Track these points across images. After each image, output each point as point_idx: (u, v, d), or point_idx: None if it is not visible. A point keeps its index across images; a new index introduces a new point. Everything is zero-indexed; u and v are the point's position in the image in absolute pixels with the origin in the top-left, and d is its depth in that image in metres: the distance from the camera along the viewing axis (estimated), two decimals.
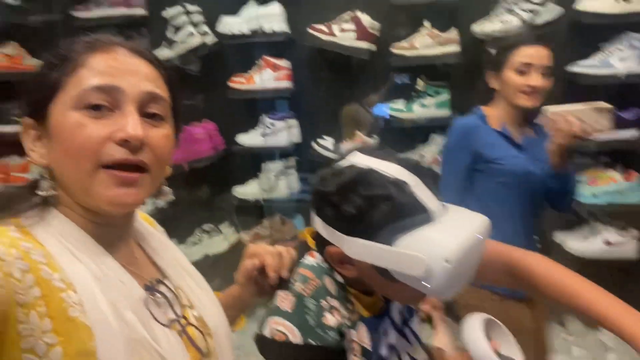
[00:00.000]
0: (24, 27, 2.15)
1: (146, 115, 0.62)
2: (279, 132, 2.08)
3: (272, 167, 2.11)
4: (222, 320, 0.75)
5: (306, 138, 2.17)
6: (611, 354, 1.93)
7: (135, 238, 0.73)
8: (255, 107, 2.18)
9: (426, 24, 1.92)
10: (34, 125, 0.64)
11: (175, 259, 0.76)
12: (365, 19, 1.95)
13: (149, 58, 0.65)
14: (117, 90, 0.60)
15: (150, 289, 0.64)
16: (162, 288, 0.68)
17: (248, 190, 2.16)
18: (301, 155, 2.19)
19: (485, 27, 1.87)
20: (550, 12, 1.85)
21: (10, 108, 1.94)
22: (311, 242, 0.76)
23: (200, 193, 2.30)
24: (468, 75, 1.99)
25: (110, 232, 0.67)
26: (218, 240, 2.24)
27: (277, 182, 2.11)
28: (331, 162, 0.74)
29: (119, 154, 0.59)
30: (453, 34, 1.89)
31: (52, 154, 0.62)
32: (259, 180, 2.15)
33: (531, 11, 1.84)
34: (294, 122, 2.14)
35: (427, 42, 1.88)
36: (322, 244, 0.71)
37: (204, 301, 0.74)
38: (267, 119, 2.09)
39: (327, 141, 2.08)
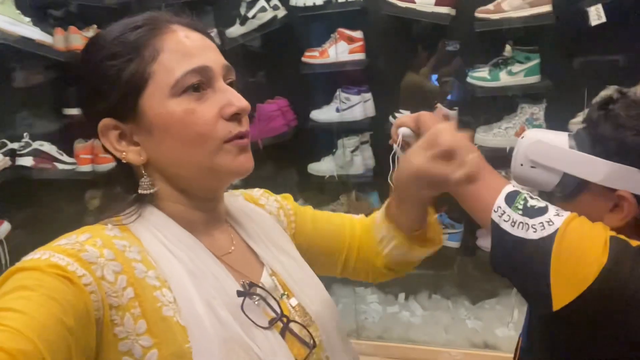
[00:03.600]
0: (100, 10, 2.19)
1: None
2: (354, 106, 2.02)
3: (348, 143, 2.06)
4: (325, 305, 0.72)
5: (380, 112, 2.10)
6: None
7: (231, 224, 0.73)
8: (328, 82, 2.13)
9: None
10: (115, 126, 0.61)
11: (272, 240, 0.74)
12: None
13: (203, 30, 0.65)
14: (207, 70, 0.61)
15: (243, 294, 0.62)
16: (256, 290, 0.65)
17: (323, 167, 2.13)
18: (375, 130, 2.13)
19: None
20: None
21: None
22: None
23: (274, 170, 2.30)
24: (560, 39, 1.84)
25: (206, 218, 0.67)
26: None
27: (353, 158, 2.06)
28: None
29: (234, 128, 0.61)
30: None
31: (158, 147, 0.61)
32: (333, 156, 2.11)
33: None
34: (368, 96, 2.07)
35: (516, 4, 1.74)
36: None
37: (303, 286, 0.72)
38: (342, 94, 2.03)
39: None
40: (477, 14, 1.81)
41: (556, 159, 0.76)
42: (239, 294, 0.61)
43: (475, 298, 2.15)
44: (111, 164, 2.32)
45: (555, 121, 1.84)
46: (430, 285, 2.23)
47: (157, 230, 0.62)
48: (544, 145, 0.77)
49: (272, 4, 2.03)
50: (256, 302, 0.64)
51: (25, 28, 1.90)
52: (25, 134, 2.07)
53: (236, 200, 0.77)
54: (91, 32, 2.04)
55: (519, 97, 1.87)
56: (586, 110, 1.77)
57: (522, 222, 0.67)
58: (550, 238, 0.64)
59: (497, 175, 0.76)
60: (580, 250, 0.63)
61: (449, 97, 2.08)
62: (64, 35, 2.03)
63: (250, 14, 2.00)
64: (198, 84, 0.60)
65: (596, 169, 0.71)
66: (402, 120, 0.96)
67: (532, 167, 0.78)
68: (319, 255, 0.84)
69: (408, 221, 0.81)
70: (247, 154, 0.64)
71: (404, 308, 2.16)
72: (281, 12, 2.04)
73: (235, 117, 0.62)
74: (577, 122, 1.78)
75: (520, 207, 0.69)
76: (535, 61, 1.80)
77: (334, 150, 2.11)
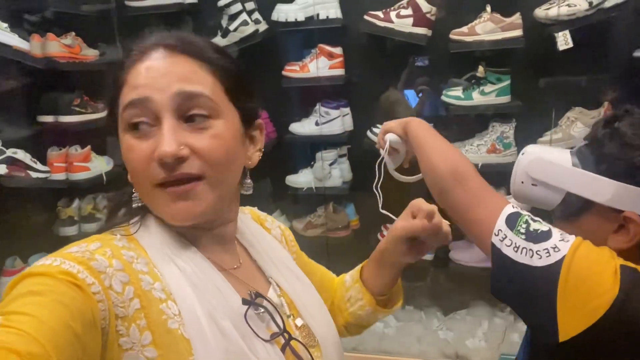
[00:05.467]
0: (78, 17, 2.17)
1: (190, 118, 0.58)
2: (333, 120, 2.06)
3: (327, 156, 2.10)
4: (329, 328, 0.73)
5: (358, 126, 2.15)
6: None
7: (240, 241, 0.73)
8: (308, 96, 2.16)
9: (488, 8, 1.86)
10: None
11: (280, 260, 0.75)
12: (423, 3, 1.89)
13: (187, 51, 0.60)
14: (147, 101, 0.57)
15: (249, 302, 0.62)
16: (262, 301, 0.65)
17: (300, 179, 2.15)
18: (353, 144, 2.17)
19: (550, 10, 1.80)
20: None
21: (71, 99, 1.97)
22: None
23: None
24: (530, 62, 1.93)
25: (205, 236, 0.66)
26: None
27: (331, 171, 2.10)
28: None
29: (160, 174, 0.57)
30: (517, 18, 1.82)
31: None
32: (312, 169, 2.14)
33: None
34: (347, 110, 2.12)
35: (489, 28, 1.82)
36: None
37: (310, 307, 0.72)
38: (321, 108, 2.07)
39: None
40: (452, 36, 1.89)
41: (559, 178, 0.73)
42: (244, 301, 0.62)
43: (447, 309, 2.20)
44: (85, 173, 2.26)
45: (525, 139, 1.93)
46: (404, 297, 2.26)
47: (160, 242, 0.62)
48: (546, 162, 0.74)
49: (253, 17, 2.06)
50: (261, 314, 0.64)
51: (2, 34, 1.86)
52: None
53: (245, 217, 0.76)
54: (69, 39, 2.02)
55: (491, 116, 1.96)
56: (554, 129, 1.87)
57: (525, 248, 0.64)
58: (557, 266, 0.61)
59: (496, 195, 0.74)
60: (589, 280, 0.60)
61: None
62: (41, 41, 2.00)
63: (232, 27, 2.02)
64: (138, 121, 0.57)
65: (602, 189, 0.68)
66: (390, 126, 0.96)
67: (533, 184, 0.76)
68: None
69: (380, 285, 0.85)
70: (186, 202, 0.58)
71: None
72: (263, 27, 2.07)
73: (162, 163, 0.56)
74: (545, 140, 1.87)
75: (523, 230, 0.66)
76: (506, 82, 1.88)
77: (312, 163, 2.14)
